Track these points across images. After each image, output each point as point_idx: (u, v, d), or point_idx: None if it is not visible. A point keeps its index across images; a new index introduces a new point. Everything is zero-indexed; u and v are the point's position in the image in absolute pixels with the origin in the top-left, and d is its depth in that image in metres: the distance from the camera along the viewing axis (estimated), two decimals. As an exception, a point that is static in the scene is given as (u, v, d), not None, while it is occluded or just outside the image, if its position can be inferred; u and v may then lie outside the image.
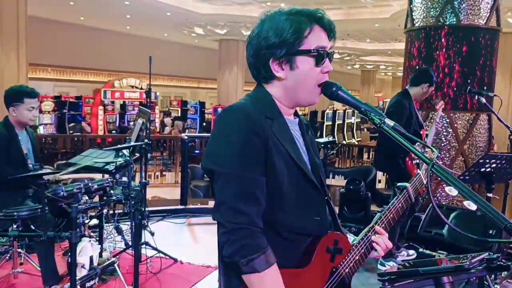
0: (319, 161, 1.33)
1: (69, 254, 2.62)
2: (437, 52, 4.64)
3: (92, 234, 3.76)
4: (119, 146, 3.56)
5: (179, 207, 5.61)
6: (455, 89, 4.60)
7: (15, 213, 2.86)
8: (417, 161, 1.59)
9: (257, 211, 1.13)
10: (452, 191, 4.01)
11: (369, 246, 1.31)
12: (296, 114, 1.33)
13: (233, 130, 1.14)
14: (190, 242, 4.65)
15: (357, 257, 1.28)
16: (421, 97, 3.90)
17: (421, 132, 3.89)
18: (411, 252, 4.08)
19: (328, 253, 1.24)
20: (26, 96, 3.13)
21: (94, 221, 3.78)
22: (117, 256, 3.57)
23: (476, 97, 4.13)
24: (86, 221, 3.11)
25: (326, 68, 1.22)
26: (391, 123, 1.17)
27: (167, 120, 14.58)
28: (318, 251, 1.23)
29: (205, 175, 6.18)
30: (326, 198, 1.33)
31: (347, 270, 1.27)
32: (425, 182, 1.53)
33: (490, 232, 3.44)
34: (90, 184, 3.21)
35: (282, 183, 1.17)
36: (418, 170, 1.56)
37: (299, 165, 1.20)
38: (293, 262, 1.19)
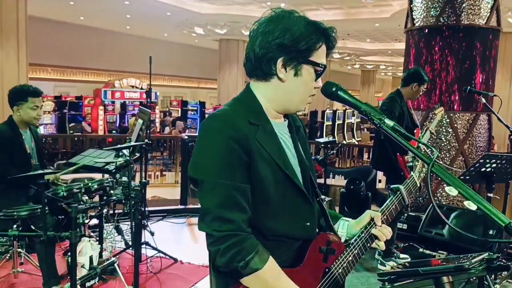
0: (309, 163, 1.32)
1: (69, 254, 2.62)
2: (437, 51, 4.64)
3: (92, 234, 3.76)
4: (119, 146, 3.56)
5: (179, 207, 5.62)
6: (455, 89, 4.60)
7: (15, 213, 2.86)
8: (410, 163, 1.60)
9: (243, 218, 1.12)
10: (452, 191, 4.00)
11: (362, 246, 1.32)
12: (285, 116, 1.32)
13: (215, 138, 1.14)
14: (190, 242, 4.65)
15: (350, 258, 1.29)
16: (413, 96, 3.91)
17: (414, 131, 3.89)
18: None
19: (320, 253, 1.25)
20: (30, 95, 3.13)
21: (94, 221, 3.78)
22: (117, 256, 3.57)
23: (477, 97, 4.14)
24: (86, 221, 3.11)
25: (318, 84, 1.25)
26: (390, 123, 1.17)
27: (168, 120, 14.59)
28: (311, 252, 1.23)
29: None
30: (318, 199, 1.32)
31: (340, 270, 1.27)
32: (418, 184, 1.55)
33: (490, 232, 3.44)
34: (90, 184, 3.21)
35: (268, 190, 1.17)
36: (412, 172, 1.57)
37: (285, 172, 1.20)
38: (285, 262, 1.20)
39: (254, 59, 1.22)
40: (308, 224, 1.25)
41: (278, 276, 1.14)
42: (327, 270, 1.25)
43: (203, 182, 1.14)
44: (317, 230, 1.29)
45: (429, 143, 1.70)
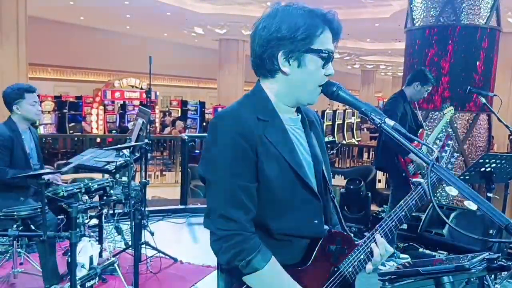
0: (324, 158, 1.31)
1: (69, 254, 2.62)
2: (437, 51, 4.64)
3: (92, 234, 3.76)
4: (119, 146, 3.56)
5: (179, 207, 5.60)
6: (455, 89, 4.59)
7: (15, 213, 2.86)
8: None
9: (247, 217, 1.13)
10: (452, 191, 4.01)
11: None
12: (298, 110, 1.30)
13: (222, 137, 1.13)
14: (190, 242, 4.65)
15: (362, 256, 1.26)
16: (417, 96, 3.90)
17: (419, 132, 3.89)
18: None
19: (329, 252, 1.23)
20: (26, 91, 3.14)
21: (94, 221, 3.78)
22: (117, 256, 3.57)
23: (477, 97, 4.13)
24: (86, 221, 3.10)
25: (329, 71, 1.21)
26: (391, 122, 1.16)
27: (168, 120, 14.58)
28: (318, 251, 1.22)
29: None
30: (331, 195, 1.32)
31: (350, 269, 1.25)
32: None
33: (490, 232, 3.43)
34: (90, 184, 3.21)
35: (275, 187, 1.16)
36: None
37: (294, 168, 1.18)
38: (291, 261, 1.19)
39: (256, 58, 1.21)
40: (316, 221, 1.24)
41: (280, 275, 1.15)
42: (335, 269, 1.24)
43: (210, 181, 1.15)
44: (326, 228, 1.27)
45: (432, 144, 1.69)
